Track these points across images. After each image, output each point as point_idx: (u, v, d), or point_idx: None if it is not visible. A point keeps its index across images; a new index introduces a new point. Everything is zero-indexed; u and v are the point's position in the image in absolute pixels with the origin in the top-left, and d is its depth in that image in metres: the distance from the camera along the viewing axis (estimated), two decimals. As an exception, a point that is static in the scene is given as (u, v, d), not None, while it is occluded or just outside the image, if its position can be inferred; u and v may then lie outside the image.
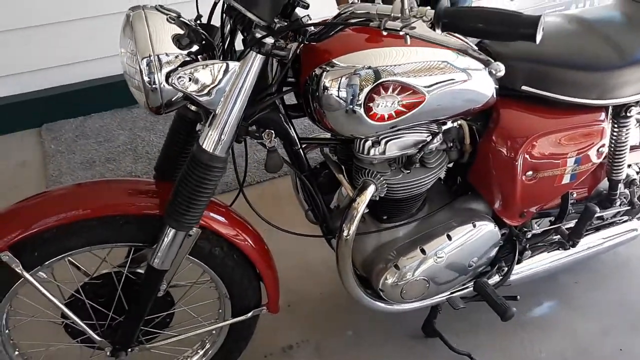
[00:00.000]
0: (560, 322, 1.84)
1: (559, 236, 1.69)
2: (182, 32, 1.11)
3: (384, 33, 0.94)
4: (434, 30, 0.90)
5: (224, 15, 1.21)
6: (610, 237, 1.77)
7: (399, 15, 0.92)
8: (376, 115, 1.20)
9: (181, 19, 1.13)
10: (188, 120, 1.31)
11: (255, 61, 1.09)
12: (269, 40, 1.07)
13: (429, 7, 0.92)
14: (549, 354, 1.74)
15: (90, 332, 1.33)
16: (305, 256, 2.00)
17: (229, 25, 1.22)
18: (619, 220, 1.80)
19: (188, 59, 1.10)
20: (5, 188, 2.42)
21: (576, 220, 1.65)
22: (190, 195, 1.16)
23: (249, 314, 1.46)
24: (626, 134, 1.58)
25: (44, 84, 2.90)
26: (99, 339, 1.34)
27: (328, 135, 1.44)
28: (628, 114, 1.54)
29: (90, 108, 2.92)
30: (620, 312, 1.87)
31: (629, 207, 1.77)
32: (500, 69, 0.90)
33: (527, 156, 1.40)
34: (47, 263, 1.24)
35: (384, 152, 1.33)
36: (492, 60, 0.87)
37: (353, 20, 0.98)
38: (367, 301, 1.50)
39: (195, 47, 1.12)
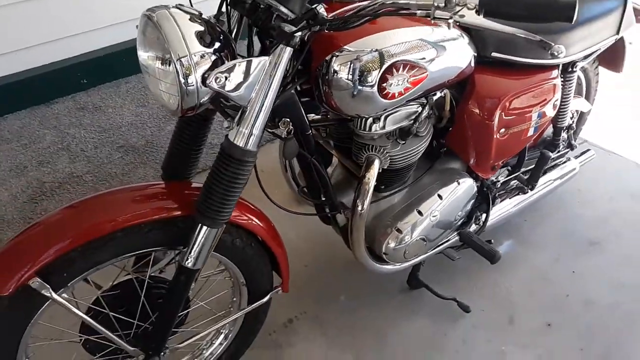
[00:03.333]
0: (520, 258, 2.08)
1: (518, 182, 1.90)
2: (202, 29, 1.09)
3: (432, 22, 1.00)
4: (479, 16, 0.98)
5: (230, 9, 1.20)
6: (557, 178, 2.01)
7: (443, 4, 0.98)
8: (388, 93, 1.28)
9: (202, 16, 1.10)
10: (195, 118, 1.29)
11: (285, 54, 1.11)
12: (298, 33, 1.09)
13: None
14: (517, 287, 1.97)
15: (123, 342, 1.30)
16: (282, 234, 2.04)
17: (234, 19, 1.21)
18: (560, 162, 2.05)
19: (215, 57, 1.09)
20: None
21: (532, 167, 1.87)
22: (225, 191, 1.17)
23: (267, 297, 1.50)
24: (569, 86, 1.80)
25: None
26: (131, 348, 1.32)
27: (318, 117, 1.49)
28: (574, 69, 1.74)
29: (3, 108, 2.67)
30: (564, 240, 2.15)
31: (568, 149, 2.02)
32: (562, 50, 1.00)
33: (502, 115, 1.56)
34: (73, 281, 1.19)
35: (383, 127, 1.41)
36: (552, 44, 0.97)
37: (403, 12, 1.02)
38: (376, 267, 1.60)
39: (217, 44, 1.11)
